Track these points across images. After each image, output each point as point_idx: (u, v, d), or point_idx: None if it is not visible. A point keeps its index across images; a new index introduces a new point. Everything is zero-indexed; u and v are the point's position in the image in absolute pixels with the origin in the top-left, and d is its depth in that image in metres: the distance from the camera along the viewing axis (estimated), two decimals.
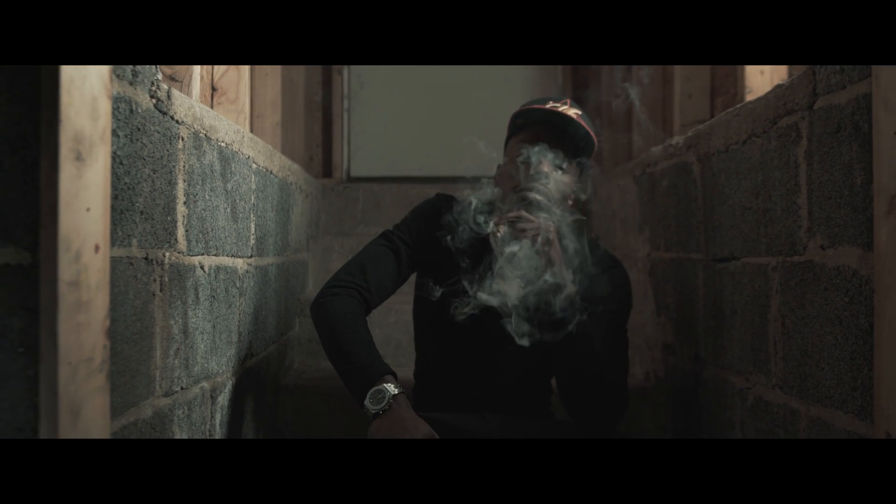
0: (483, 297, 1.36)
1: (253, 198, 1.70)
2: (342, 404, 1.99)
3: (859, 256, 1.01)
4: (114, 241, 0.97)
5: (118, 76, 0.98)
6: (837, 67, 1.05)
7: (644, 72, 2.46)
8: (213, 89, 1.99)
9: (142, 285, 1.08)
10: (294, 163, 2.32)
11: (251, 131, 2.16)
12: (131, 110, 1.03)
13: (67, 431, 0.82)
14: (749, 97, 1.66)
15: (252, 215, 1.70)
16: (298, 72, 3.05)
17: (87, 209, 0.86)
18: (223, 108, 1.96)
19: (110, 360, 0.93)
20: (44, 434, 0.80)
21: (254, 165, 1.70)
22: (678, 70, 2.09)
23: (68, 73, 0.81)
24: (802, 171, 1.16)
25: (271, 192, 1.90)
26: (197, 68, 1.57)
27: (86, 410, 0.86)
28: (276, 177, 1.96)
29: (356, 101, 3.29)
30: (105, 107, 0.91)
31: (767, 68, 1.68)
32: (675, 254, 1.80)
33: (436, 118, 3.27)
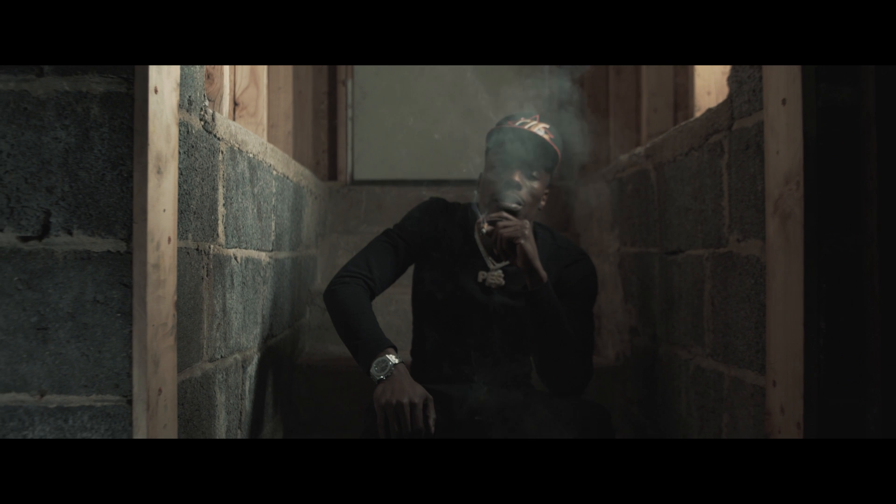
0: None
1: (273, 200, 1.98)
2: (348, 382, 2.27)
3: (760, 247, 1.28)
4: (177, 235, 1.25)
5: (179, 106, 1.26)
6: (746, 98, 1.33)
7: (622, 86, 2.73)
8: (235, 104, 2.27)
9: (194, 270, 1.35)
10: (305, 168, 2.59)
11: (267, 140, 2.43)
12: (188, 132, 1.30)
13: (151, 376, 1.10)
14: (697, 114, 1.93)
15: (273, 215, 1.97)
16: (306, 85, 3.33)
17: (164, 210, 1.14)
18: (244, 120, 2.23)
19: (176, 327, 1.21)
20: (136, 377, 1.08)
21: (274, 172, 1.98)
22: (645, 86, 2.36)
23: (153, 108, 1.09)
24: (725, 179, 1.44)
25: (287, 195, 2.18)
26: (226, 89, 1.84)
27: (162, 362, 1.14)
28: (291, 181, 2.23)
29: (359, 110, 3.57)
30: (174, 132, 1.19)
31: (713, 90, 1.95)
32: (638, 248, 2.08)
33: (433, 125, 3.55)
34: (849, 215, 1.08)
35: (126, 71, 1.08)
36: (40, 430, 1.08)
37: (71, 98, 1.08)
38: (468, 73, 3.58)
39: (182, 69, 1.24)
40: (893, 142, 1.05)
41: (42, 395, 1.08)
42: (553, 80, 3.50)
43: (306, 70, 3.30)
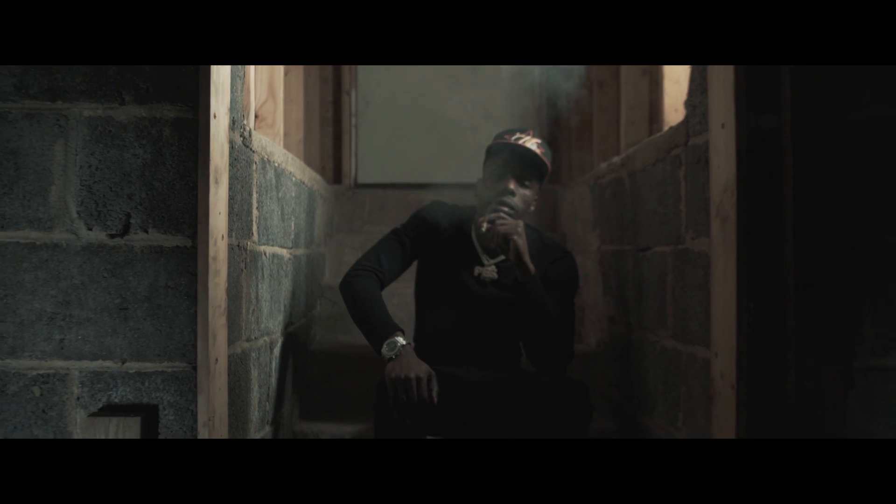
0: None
1: (293, 203, 2.24)
2: (354, 367, 2.52)
3: (707, 244, 1.55)
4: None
5: (228, 126, 1.51)
6: (698, 119, 1.60)
7: (604, 99, 3.00)
8: (255, 116, 2.52)
9: (236, 263, 1.61)
10: (317, 174, 2.85)
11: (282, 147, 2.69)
12: (232, 147, 1.56)
13: (211, 348, 1.36)
14: (665, 128, 2.20)
15: (292, 217, 2.23)
16: (314, 95, 3.58)
17: (219, 213, 1.40)
18: (263, 131, 2.48)
19: (226, 309, 1.47)
20: (199, 348, 1.34)
21: (294, 178, 2.24)
22: (624, 100, 2.63)
23: (213, 130, 1.35)
24: (683, 187, 1.71)
25: (303, 199, 2.44)
26: (252, 105, 2.09)
27: (218, 337, 1.40)
28: (306, 186, 2.49)
29: (362, 118, 3.83)
30: (226, 148, 1.45)
31: (679, 108, 2.22)
32: (615, 246, 2.35)
33: (432, 132, 3.82)
34: (771, 218, 1.35)
35: (192, 100, 1.34)
36: (122, 391, 1.34)
37: (147, 122, 1.34)
38: (465, 87, 3.86)
39: (230, 96, 1.50)
40: (805, 159, 1.32)
41: (123, 363, 1.34)
42: (544, 93, 3.77)
43: (314, 82, 3.55)
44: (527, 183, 1.96)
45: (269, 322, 1.95)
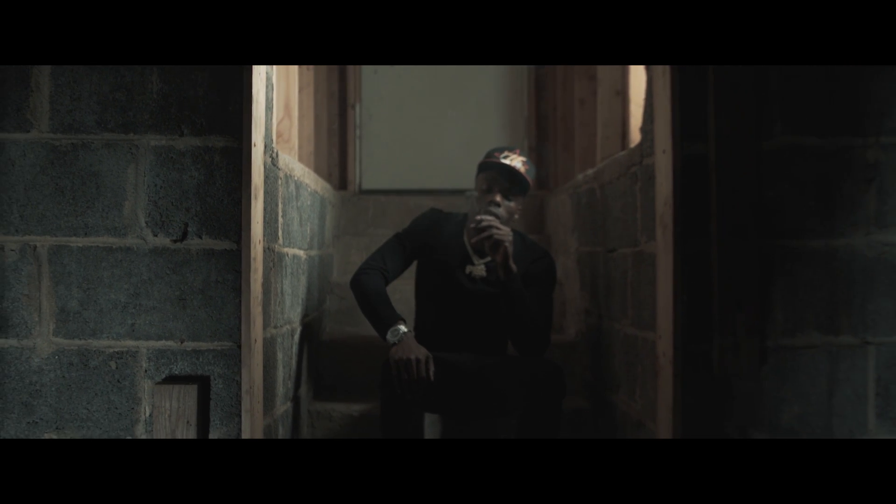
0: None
1: (308, 210, 2.57)
2: (361, 355, 2.85)
3: (655, 247, 1.88)
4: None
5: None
6: (648, 144, 1.93)
7: (585, 115, 3.33)
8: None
9: (267, 263, 1.94)
10: (327, 183, 3.18)
11: (294, 159, 3.01)
12: (264, 167, 1.89)
13: (251, 330, 1.69)
14: (631, 145, 2.53)
15: (308, 222, 2.56)
16: (322, 110, 3.92)
17: (257, 222, 1.73)
18: (280, 146, 2.80)
19: (261, 300, 1.80)
20: (243, 330, 1.67)
21: (309, 189, 2.57)
22: (599, 118, 2.96)
23: (253, 156, 1.68)
24: (638, 199, 2.04)
25: (316, 206, 2.77)
26: (273, 125, 2.43)
27: (256, 322, 1.73)
28: (318, 195, 2.82)
29: (366, 130, 4.17)
30: (262, 169, 1.78)
31: None
32: (590, 248, 2.68)
33: (431, 142, 4.16)
34: (700, 226, 1.68)
35: (237, 132, 1.67)
36: (181, 365, 1.67)
37: (201, 150, 1.67)
38: (460, 103, 4.20)
39: (264, 124, 1.83)
40: (727, 180, 1.66)
41: (182, 342, 1.67)
42: (534, 108, 4.10)
43: (322, 98, 3.88)
44: (511, 197, 2.30)
45: (291, 313, 2.28)
